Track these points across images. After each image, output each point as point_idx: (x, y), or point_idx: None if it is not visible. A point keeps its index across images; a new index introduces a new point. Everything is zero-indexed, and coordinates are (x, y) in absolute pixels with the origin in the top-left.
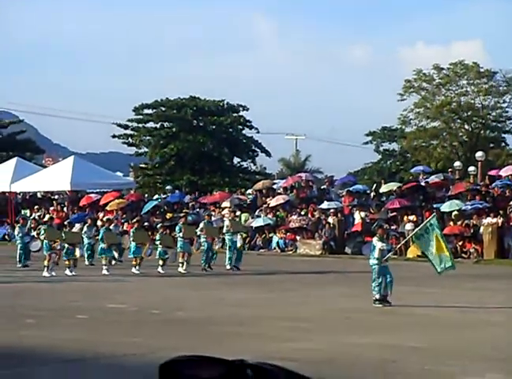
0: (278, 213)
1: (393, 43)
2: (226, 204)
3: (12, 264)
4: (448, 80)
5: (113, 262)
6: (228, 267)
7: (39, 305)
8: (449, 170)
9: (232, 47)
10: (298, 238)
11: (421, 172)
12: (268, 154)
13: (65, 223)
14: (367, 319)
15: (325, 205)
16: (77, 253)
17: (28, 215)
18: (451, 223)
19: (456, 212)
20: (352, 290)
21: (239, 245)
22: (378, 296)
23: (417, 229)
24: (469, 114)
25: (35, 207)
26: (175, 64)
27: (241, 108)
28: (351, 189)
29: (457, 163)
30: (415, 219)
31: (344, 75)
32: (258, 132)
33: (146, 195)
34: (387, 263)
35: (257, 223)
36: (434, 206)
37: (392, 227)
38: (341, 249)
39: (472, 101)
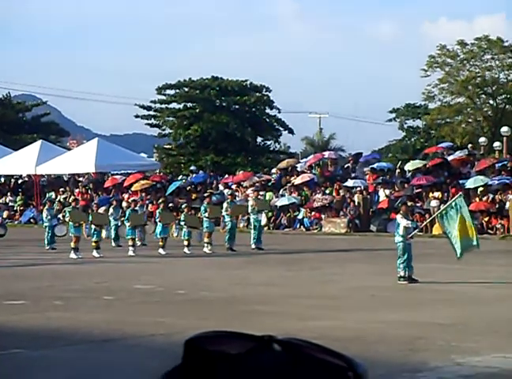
0: (302, 192)
1: (417, 18)
2: (248, 183)
3: (39, 246)
4: (472, 56)
5: (138, 243)
6: (253, 246)
7: (67, 286)
8: (470, 145)
9: (255, 26)
10: (323, 216)
11: (445, 148)
12: (291, 132)
13: (92, 204)
14: (393, 296)
15: (349, 183)
16: (104, 234)
17: (54, 197)
18: (476, 199)
19: (481, 188)
20: (378, 267)
21: (263, 223)
22: (402, 273)
23: (442, 208)
24: (494, 89)
25: (60, 189)
26: (198, 43)
27: (264, 89)
28: (375, 166)
29: (482, 139)
30: (440, 196)
31: (368, 51)
32: (280, 111)
33: (170, 176)
34: (412, 240)
35: (282, 202)
36: (460, 182)
37: (417, 204)
38: (366, 227)
39: (497, 76)
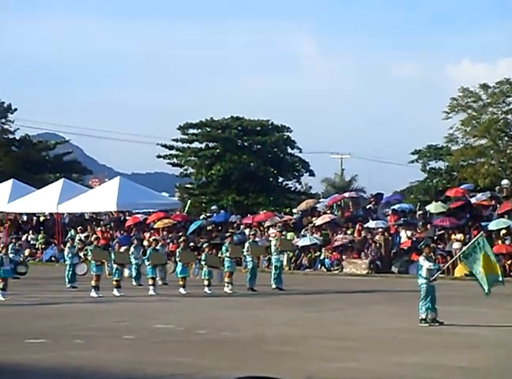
0: (324, 232)
1: (440, 60)
2: (269, 223)
3: (60, 284)
4: (495, 99)
5: (159, 283)
6: (274, 286)
7: (87, 325)
8: (497, 187)
9: (277, 65)
10: (344, 257)
11: (467, 190)
12: (312, 173)
13: (113, 243)
14: (414, 338)
15: (371, 224)
16: (126, 273)
17: (75, 235)
18: (499, 242)
19: (504, 231)
20: (399, 309)
21: (284, 263)
22: (424, 315)
23: (465, 248)
24: None
25: (79, 227)
26: (219, 83)
27: (285, 129)
28: (396, 207)
29: (504, 181)
30: (462, 238)
31: (390, 92)
32: (301, 151)
33: (191, 215)
34: (435, 282)
35: (304, 242)
36: (482, 224)
37: (439, 246)
38: (388, 269)
39: None
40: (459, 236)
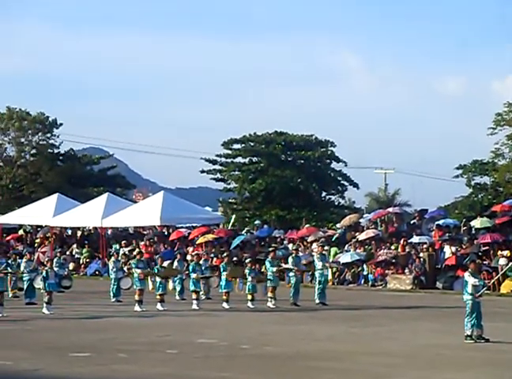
0: (367, 247)
1: (485, 75)
2: (312, 238)
3: (105, 298)
4: None
5: (202, 297)
6: (318, 301)
7: (131, 339)
8: None
9: (320, 80)
10: (387, 272)
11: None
12: (356, 186)
13: (156, 257)
14: (459, 355)
15: (415, 239)
16: (170, 286)
17: (120, 250)
18: None
19: None
20: (443, 325)
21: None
22: (469, 332)
23: (511, 264)
24: None
25: (123, 242)
26: (263, 97)
27: (329, 144)
28: (441, 223)
29: None
30: (508, 254)
31: (434, 106)
32: (346, 165)
33: (235, 229)
34: (481, 298)
35: (346, 258)
36: None
37: (484, 262)
38: (432, 284)
39: None
40: (505, 252)
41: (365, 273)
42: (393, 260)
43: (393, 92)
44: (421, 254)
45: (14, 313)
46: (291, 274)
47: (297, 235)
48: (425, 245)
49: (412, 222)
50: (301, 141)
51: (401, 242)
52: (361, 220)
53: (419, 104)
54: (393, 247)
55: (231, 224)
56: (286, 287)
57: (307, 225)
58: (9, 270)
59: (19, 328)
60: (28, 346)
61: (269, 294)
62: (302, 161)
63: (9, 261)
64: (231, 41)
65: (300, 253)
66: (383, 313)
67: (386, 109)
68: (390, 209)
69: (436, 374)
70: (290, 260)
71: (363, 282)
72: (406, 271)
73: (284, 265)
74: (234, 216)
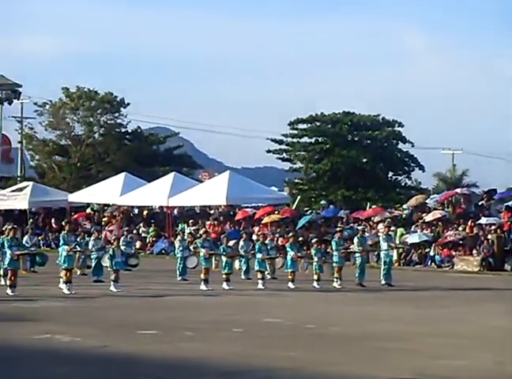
0: (434, 228)
1: None
2: (378, 218)
3: (171, 277)
4: None
5: (268, 277)
6: (383, 282)
7: (197, 318)
8: None
9: (387, 61)
10: (455, 253)
11: None
12: (422, 169)
13: (222, 237)
14: None
15: (483, 221)
16: (236, 266)
17: (186, 229)
18: None
19: None
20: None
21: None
22: None
23: None
24: None
25: (190, 221)
26: (329, 78)
27: (396, 124)
28: (510, 204)
29: None
30: None
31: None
32: (413, 146)
33: (305, 209)
34: None
35: (413, 239)
36: None
37: None
38: (500, 266)
39: None
40: None
41: (432, 254)
42: (461, 242)
43: (460, 72)
44: (489, 236)
45: (82, 290)
46: (356, 254)
47: (363, 216)
48: (493, 227)
49: (479, 203)
50: (368, 121)
51: (469, 223)
52: (428, 201)
53: (486, 84)
54: (460, 228)
55: (295, 205)
56: (352, 268)
57: (373, 205)
58: (78, 248)
59: (87, 305)
60: (96, 323)
61: (335, 275)
62: (368, 141)
63: (78, 239)
64: (296, 21)
65: (366, 234)
66: (450, 295)
67: (453, 89)
68: (458, 190)
69: (502, 356)
70: (356, 240)
71: (429, 263)
72: (474, 252)
73: (350, 247)
74: (299, 197)
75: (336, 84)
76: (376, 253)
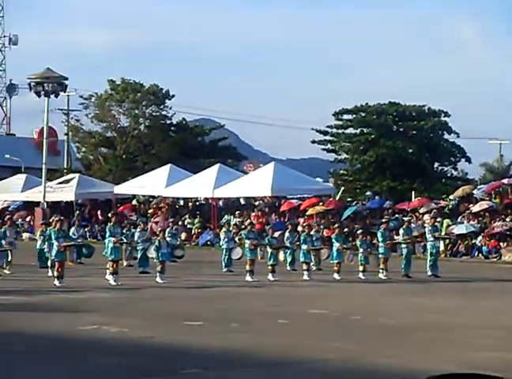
0: (481, 219)
1: None
2: (424, 209)
3: (216, 268)
4: None
5: (313, 268)
6: (429, 273)
7: (242, 309)
8: None
9: (435, 50)
10: (502, 244)
11: None
12: (469, 159)
13: (267, 228)
14: None
15: None
16: (281, 257)
17: (231, 220)
18: None
19: None
20: None
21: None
22: None
23: None
24: None
25: (237, 212)
26: (375, 68)
27: (442, 114)
28: None
29: None
30: None
31: None
32: (459, 136)
33: (348, 200)
34: None
35: (460, 230)
36: None
37: None
38: None
39: None
40: None
41: (479, 245)
42: (508, 233)
43: (505, 62)
44: None
45: (128, 281)
46: (402, 245)
47: (409, 206)
48: None
49: None
50: (413, 111)
51: None
52: (474, 192)
53: None
54: (508, 219)
55: (338, 196)
56: (398, 259)
57: (419, 197)
58: (124, 240)
59: (133, 296)
60: (143, 314)
61: (381, 266)
62: (414, 132)
63: (124, 231)
64: (343, 10)
65: (412, 225)
66: (497, 286)
67: (502, 78)
68: (505, 180)
69: None
70: (401, 231)
71: (476, 254)
72: None
73: (396, 238)
74: (342, 188)
75: (383, 74)
76: (422, 244)
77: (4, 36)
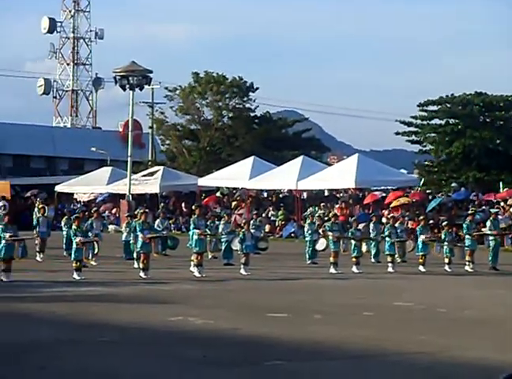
0: None
1: None
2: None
3: (300, 260)
4: None
5: (398, 260)
6: None
7: (327, 301)
8: None
9: None
10: None
11: None
12: None
13: (351, 220)
14: None
15: None
16: (364, 249)
17: (314, 212)
18: None
19: None
20: None
21: None
22: None
23: None
24: None
25: (322, 204)
26: (458, 58)
27: None
28: None
29: None
30: None
31: None
32: None
33: (430, 192)
34: None
35: None
36: None
37: None
38: None
39: None
40: None
41: None
42: None
43: None
44: None
45: (213, 273)
46: (490, 237)
47: (496, 198)
48: None
49: None
50: (501, 101)
51: None
52: None
53: None
54: None
55: (419, 187)
56: (485, 251)
57: (507, 188)
58: (209, 232)
59: (218, 288)
60: (227, 306)
61: (467, 258)
62: (501, 122)
63: (208, 223)
64: (428, 4)
65: (499, 216)
66: None
67: None
68: None
69: None
70: (488, 223)
71: None
72: None
73: (483, 230)
74: (423, 179)
75: (467, 65)
76: (511, 236)
77: (90, 31)
